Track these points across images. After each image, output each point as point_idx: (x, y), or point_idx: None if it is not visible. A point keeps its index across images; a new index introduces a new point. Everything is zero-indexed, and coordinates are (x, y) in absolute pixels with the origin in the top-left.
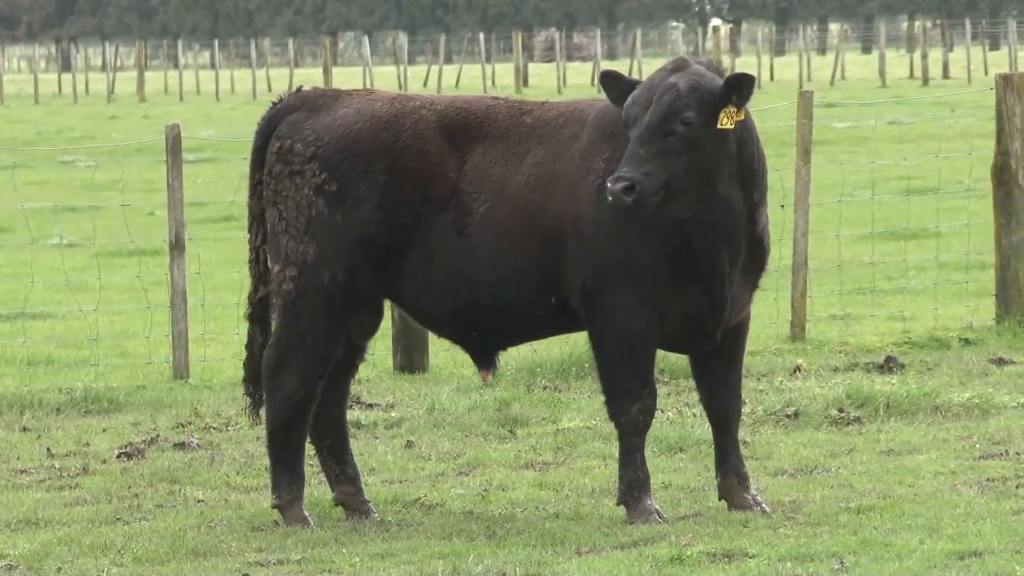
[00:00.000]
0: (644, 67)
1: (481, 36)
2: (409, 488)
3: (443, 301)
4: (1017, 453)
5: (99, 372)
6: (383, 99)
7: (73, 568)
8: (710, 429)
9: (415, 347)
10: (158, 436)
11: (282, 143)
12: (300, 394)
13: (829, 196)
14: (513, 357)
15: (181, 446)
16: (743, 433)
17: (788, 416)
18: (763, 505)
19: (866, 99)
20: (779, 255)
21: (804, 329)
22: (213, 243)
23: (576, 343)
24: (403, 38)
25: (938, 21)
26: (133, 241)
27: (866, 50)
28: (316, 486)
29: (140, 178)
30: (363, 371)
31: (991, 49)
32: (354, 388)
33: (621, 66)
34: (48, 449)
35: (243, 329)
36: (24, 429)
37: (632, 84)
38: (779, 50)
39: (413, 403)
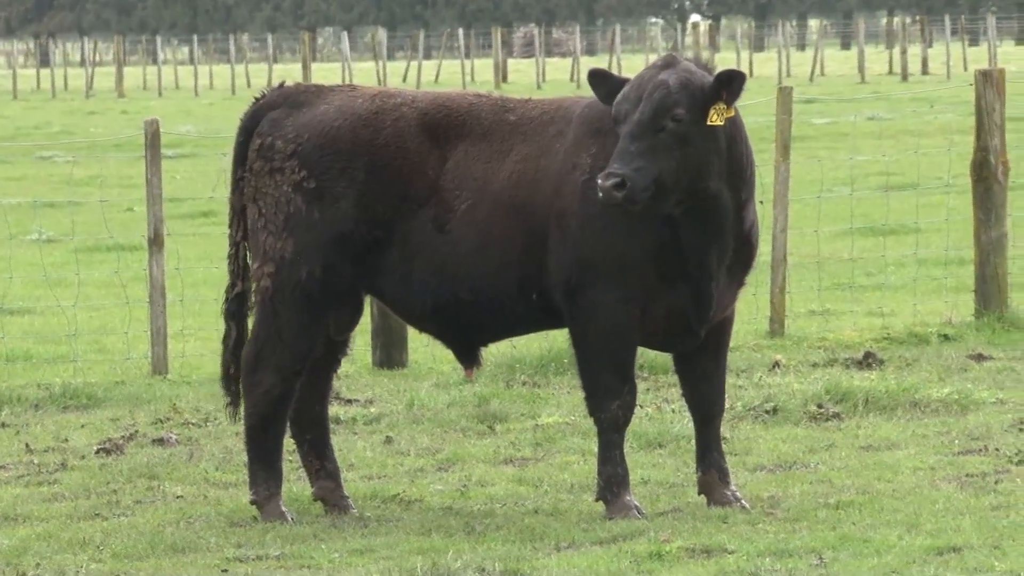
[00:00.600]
0: (624, 63)
1: (460, 32)
2: (388, 484)
3: (424, 297)
4: (996, 449)
5: (78, 368)
6: (365, 96)
7: (52, 564)
8: (692, 424)
9: (394, 343)
10: (137, 432)
11: (263, 140)
12: (278, 391)
13: (808, 192)
14: (492, 353)
15: (160, 442)
16: (722, 429)
17: (767, 412)
18: (742, 501)
19: (845, 95)
20: (758, 251)
21: (783, 325)
22: (192, 239)
23: (555, 339)
24: (382, 34)
25: (917, 17)
26: (111, 237)
27: (845, 46)
28: (295, 481)
29: (118, 174)
30: (342, 367)
31: (970, 45)
32: (333, 384)
33: (600, 62)
34: (26, 445)
35: (222, 325)
36: (2, 425)
37: (621, 82)
38: (758, 46)
39: (392, 399)
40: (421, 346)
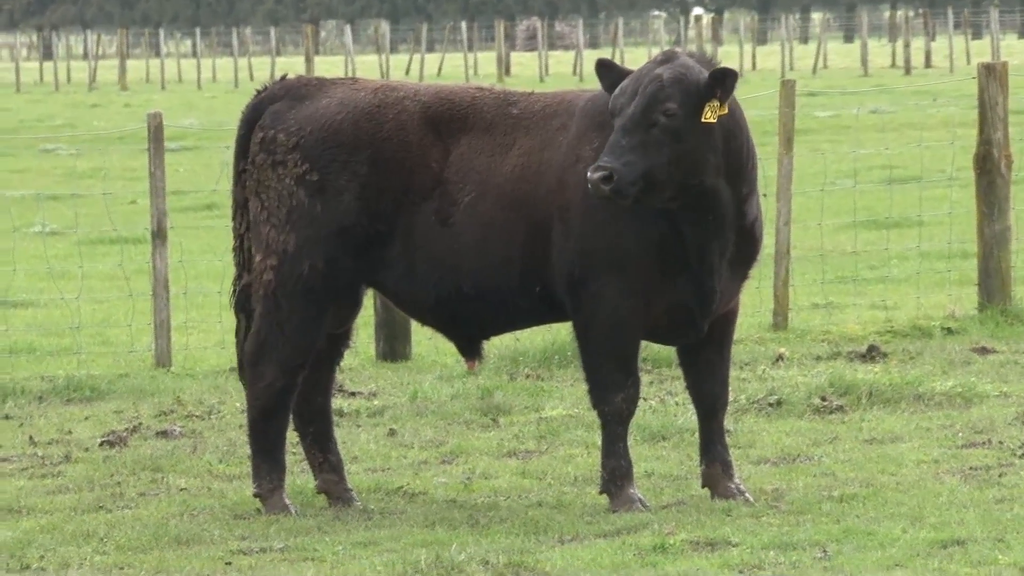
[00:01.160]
0: (626, 56)
1: (463, 25)
2: (392, 476)
3: (427, 291)
4: (999, 442)
5: (81, 360)
6: (367, 89)
7: (55, 556)
8: (696, 417)
9: (398, 335)
10: (140, 424)
11: (265, 133)
12: (280, 384)
13: (811, 185)
14: (496, 346)
15: (163, 434)
16: (726, 422)
17: (771, 405)
18: (746, 494)
19: (848, 88)
20: (763, 244)
21: (787, 318)
22: (195, 231)
23: (559, 332)
24: (385, 26)
25: (920, 10)
26: (115, 229)
27: (848, 39)
28: (299, 474)
29: (122, 166)
30: (346, 359)
31: (973, 38)
32: (337, 376)
33: (603, 55)
34: (30, 437)
35: (225, 317)
36: (6, 417)
37: (625, 73)
38: (761, 39)
39: (396, 391)
40: (425, 339)
